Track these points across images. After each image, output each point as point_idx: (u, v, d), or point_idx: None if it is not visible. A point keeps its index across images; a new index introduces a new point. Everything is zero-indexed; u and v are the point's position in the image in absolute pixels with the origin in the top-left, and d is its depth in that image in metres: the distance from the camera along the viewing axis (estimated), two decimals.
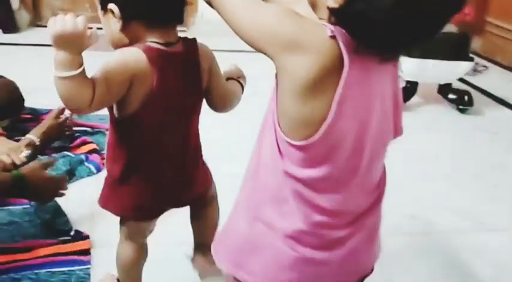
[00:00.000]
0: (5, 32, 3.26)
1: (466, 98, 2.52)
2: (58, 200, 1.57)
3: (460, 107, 2.54)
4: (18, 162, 1.57)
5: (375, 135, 0.72)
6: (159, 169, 1.01)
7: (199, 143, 1.09)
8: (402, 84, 2.55)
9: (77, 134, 1.93)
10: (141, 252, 1.13)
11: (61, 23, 0.82)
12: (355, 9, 0.62)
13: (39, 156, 1.72)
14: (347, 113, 0.66)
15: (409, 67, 2.47)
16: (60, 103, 1.44)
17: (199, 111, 1.05)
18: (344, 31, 0.64)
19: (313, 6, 0.70)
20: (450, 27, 3.67)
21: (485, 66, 3.36)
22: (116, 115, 0.96)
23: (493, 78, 3.19)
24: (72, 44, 0.84)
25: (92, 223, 1.49)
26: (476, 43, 3.71)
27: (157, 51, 0.93)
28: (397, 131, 0.78)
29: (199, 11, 3.50)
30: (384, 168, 0.80)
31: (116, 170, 1.01)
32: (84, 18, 0.85)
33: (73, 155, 1.81)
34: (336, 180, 0.71)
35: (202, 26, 3.54)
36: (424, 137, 2.27)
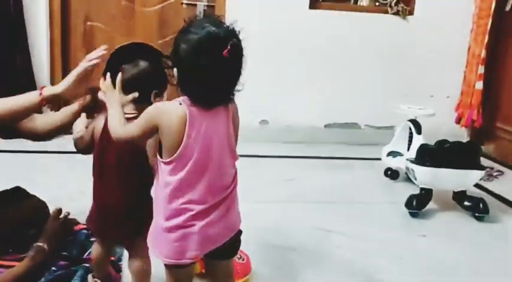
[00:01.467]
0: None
1: (481, 205, 2.53)
2: None
3: (476, 214, 2.54)
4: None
5: (216, 155, 1.24)
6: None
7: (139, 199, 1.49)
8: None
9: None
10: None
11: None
12: (183, 90, 1.22)
13: (55, 269, 1.77)
14: (191, 143, 1.20)
15: (423, 176, 2.53)
16: (58, 205, 1.84)
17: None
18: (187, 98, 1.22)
19: None
20: (462, 135, 3.80)
21: (500, 171, 3.39)
22: None
23: (508, 184, 3.20)
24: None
25: None
26: (490, 148, 3.78)
27: None
28: (234, 156, 1.30)
29: None
30: (234, 179, 1.31)
31: None
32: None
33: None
34: (190, 182, 1.22)
35: None
36: (441, 246, 2.26)
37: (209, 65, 1.16)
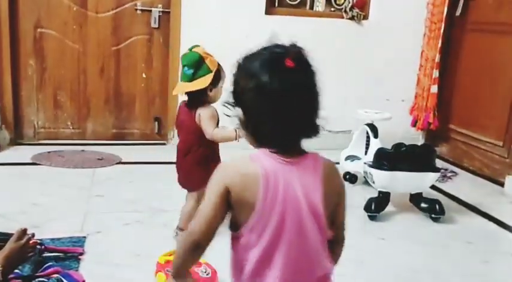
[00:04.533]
0: None
1: (437, 207, 2.58)
2: None
3: (433, 215, 2.59)
4: None
5: (296, 224, 0.97)
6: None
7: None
8: (370, 196, 2.62)
9: (49, 263, 1.86)
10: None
11: None
12: (250, 131, 1.01)
13: None
14: (267, 209, 0.96)
15: (380, 179, 2.57)
16: (23, 225, 1.62)
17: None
18: (264, 150, 0.98)
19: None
20: (417, 137, 3.89)
21: (454, 172, 3.49)
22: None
23: (462, 185, 3.29)
24: None
25: None
26: (444, 149, 3.89)
27: None
28: (322, 232, 1.00)
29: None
30: (327, 275, 1.05)
31: None
32: None
33: (46, 280, 1.75)
34: (266, 258, 0.97)
35: None
36: (400, 249, 2.29)
37: (273, 83, 0.94)
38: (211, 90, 2.03)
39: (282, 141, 0.98)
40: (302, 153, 1.00)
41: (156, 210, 2.51)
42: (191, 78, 2.01)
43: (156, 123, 3.76)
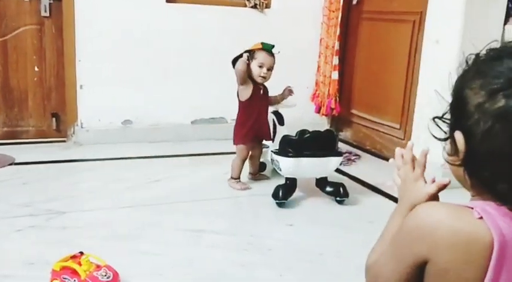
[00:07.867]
0: None
1: (341, 190, 2.66)
2: None
3: (337, 198, 2.67)
4: None
5: None
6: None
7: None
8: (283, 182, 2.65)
9: None
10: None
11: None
12: (482, 176, 0.68)
13: None
14: None
15: (286, 166, 2.59)
16: None
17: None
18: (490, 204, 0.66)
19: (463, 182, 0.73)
20: (323, 123, 4.00)
21: (357, 155, 3.62)
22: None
23: (365, 166, 3.43)
24: None
25: None
26: (348, 134, 4.03)
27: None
28: None
29: (78, 119, 3.44)
30: None
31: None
32: None
33: None
34: None
35: (81, 135, 3.46)
36: (307, 233, 2.33)
37: None
38: None
39: None
40: None
41: (52, 213, 2.34)
42: None
43: (54, 119, 3.52)
